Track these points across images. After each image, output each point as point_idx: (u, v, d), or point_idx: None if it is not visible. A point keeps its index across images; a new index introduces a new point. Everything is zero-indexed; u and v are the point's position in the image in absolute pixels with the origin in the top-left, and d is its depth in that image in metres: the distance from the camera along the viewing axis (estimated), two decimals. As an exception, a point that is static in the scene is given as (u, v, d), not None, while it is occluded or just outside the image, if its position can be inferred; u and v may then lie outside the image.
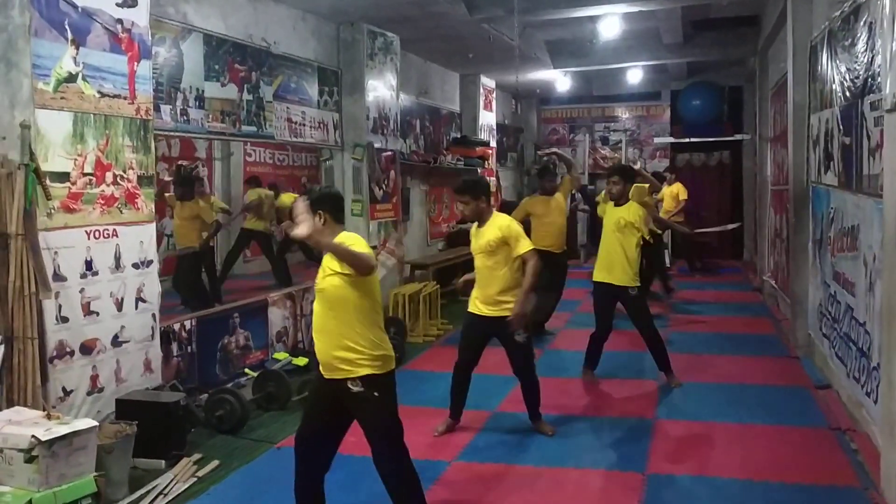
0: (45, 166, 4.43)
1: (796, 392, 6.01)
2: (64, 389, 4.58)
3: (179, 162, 10.21)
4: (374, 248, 8.53)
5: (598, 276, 6.24)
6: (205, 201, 8.56)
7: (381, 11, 8.02)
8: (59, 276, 4.54)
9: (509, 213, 5.90)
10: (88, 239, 4.77)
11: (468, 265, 5.92)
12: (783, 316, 8.76)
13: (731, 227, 12.26)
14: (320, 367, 3.50)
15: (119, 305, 5.00)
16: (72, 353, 4.63)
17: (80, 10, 4.65)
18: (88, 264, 4.76)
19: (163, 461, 4.59)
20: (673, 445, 4.98)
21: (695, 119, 14.92)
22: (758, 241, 12.17)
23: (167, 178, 9.34)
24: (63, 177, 4.58)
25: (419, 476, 3.60)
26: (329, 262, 3.39)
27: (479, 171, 12.29)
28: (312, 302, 7.55)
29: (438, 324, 8.75)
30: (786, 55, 7.63)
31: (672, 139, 15.32)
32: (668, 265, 10.96)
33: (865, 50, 4.78)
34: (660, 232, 9.26)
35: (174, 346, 5.76)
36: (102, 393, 4.84)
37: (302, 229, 3.21)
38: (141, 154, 5.18)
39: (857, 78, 5.01)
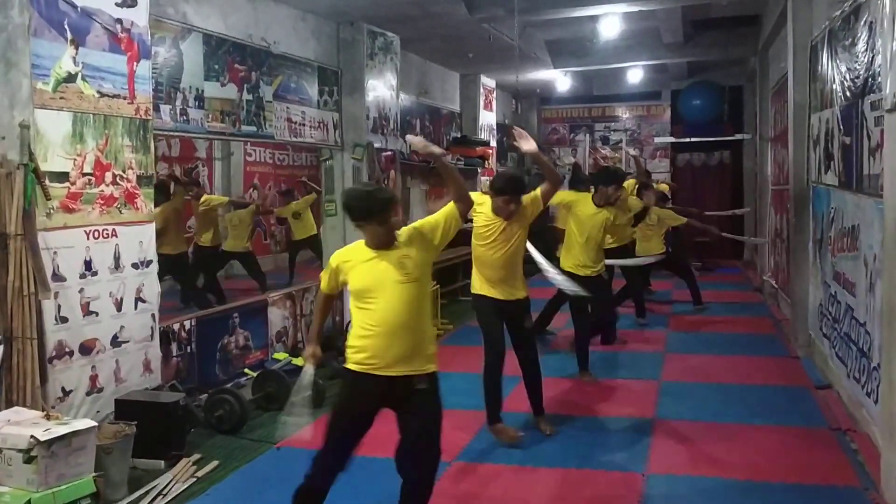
0: (44, 166, 4.42)
1: (796, 392, 6.01)
2: (63, 389, 4.57)
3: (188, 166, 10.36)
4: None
5: (585, 271, 6.25)
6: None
7: (381, 11, 8.01)
8: (58, 276, 4.53)
9: None
10: (88, 239, 4.76)
11: (468, 265, 5.92)
12: (783, 316, 8.75)
13: (739, 212, 12.13)
14: (381, 365, 3.42)
15: (118, 305, 5.00)
16: (71, 354, 4.63)
17: (79, 9, 4.64)
18: (88, 264, 4.76)
19: (162, 461, 4.58)
20: (673, 445, 4.98)
21: (695, 119, 14.91)
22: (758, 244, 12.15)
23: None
24: (62, 177, 4.58)
25: None
26: (407, 257, 3.43)
27: (479, 170, 12.31)
28: (312, 302, 7.63)
29: (438, 323, 8.74)
30: (786, 55, 7.62)
31: (672, 139, 15.31)
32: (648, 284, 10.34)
33: (866, 50, 4.77)
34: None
35: (174, 347, 5.76)
36: (102, 393, 4.83)
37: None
38: (140, 154, 5.17)
39: (857, 78, 5.00)
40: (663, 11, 9.73)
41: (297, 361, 6.76)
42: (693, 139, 14.86)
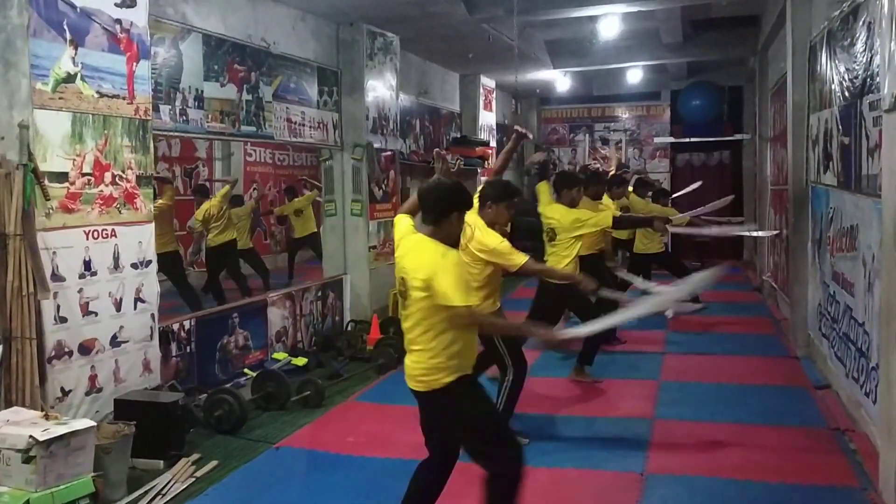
0: (43, 166, 4.42)
1: (795, 392, 6.01)
2: (62, 389, 4.57)
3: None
4: (373, 247, 8.54)
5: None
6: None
7: (380, 11, 8.02)
8: (57, 277, 4.54)
9: (526, 213, 5.91)
10: (87, 239, 4.77)
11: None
12: (783, 316, 8.76)
13: (727, 199, 11.93)
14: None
15: (118, 305, 5.00)
16: (70, 354, 4.63)
17: (78, 10, 4.65)
18: (87, 264, 4.76)
19: (161, 461, 4.58)
20: (672, 445, 4.98)
21: (695, 119, 14.91)
22: (757, 241, 12.15)
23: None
24: (62, 177, 4.58)
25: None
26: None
27: (478, 171, 12.31)
28: (312, 302, 7.63)
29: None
30: (785, 55, 7.63)
31: (672, 139, 15.32)
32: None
33: (864, 50, 4.77)
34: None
35: (173, 346, 5.77)
36: (101, 393, 4.83)
37: None
38: (140, 154, 5.18)
39: (855, 78, 5.00)
40: (663, 12, 9.73)
41: (297, 361, 6.77)
42: (692, 139, 14.86)
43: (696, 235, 10.52)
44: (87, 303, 4.76)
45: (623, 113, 16.22)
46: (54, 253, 4.53)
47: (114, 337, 4.96)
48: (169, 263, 8.05)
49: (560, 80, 13.88)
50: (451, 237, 3.30)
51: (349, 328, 8.18)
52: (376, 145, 8.61)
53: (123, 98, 5.01)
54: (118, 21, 4.95)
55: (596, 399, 6.06)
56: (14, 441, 3.59)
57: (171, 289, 8.18)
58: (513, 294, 9.67)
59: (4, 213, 4.26)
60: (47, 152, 4.48)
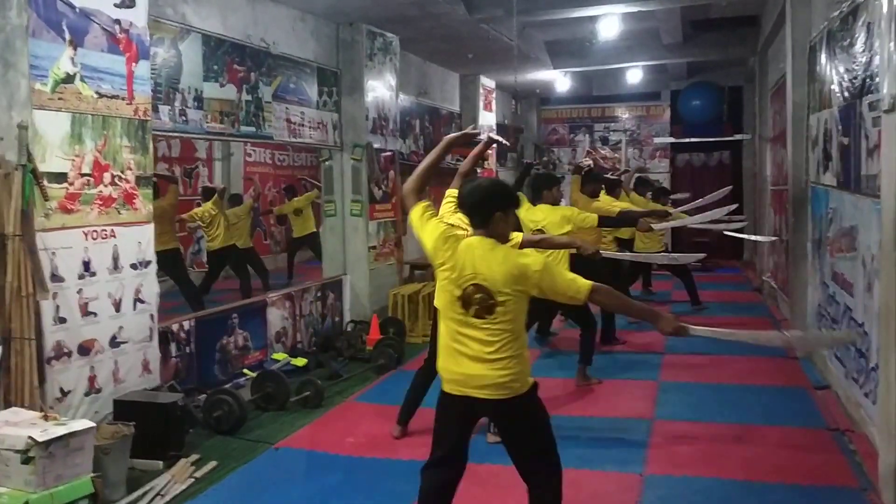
0: (42, 167, 4.42)
1: (795, 393, 6.01)
2: (62, 390, 4.57)
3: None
4: (373, 248, 8.54)
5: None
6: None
7: (380, 12, 8.02)
8: (56, 277, 4.54)
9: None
10: (86, 239, 4.76)
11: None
12: (782, 316, 8.76)
13: (725, 190, 11.88)
14: None
15: (117, 306, 5.00)
16: (69, 354, 4.63)
17: (77, 10, 4.65)
18: (86, 265, 4.76)
19: (160, 462, 4.58)
20: (671, 446, 4.97)
21: (695, 119, 14.92)
22: (757, 242, 12.14)
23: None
24: (61, 177, 4.58)
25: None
26: None
27: (478, 171, 12.30)
28: (311, 302, 7.63)
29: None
30: (785, 55, 7.63)
31: (672, 139, 15.32)
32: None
33: (864, 50, 4.77)
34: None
35: (172, 347, 5.76)
36: (100, 393, 4.83)
37: None
38: (139, 154, 5.18)
39: (855, 78, 5.00)
40: (662, 12, 9.74)
41: (297, 362, 6.77)
42: (692, 139, 14.87)
43: (692, 230, 10.49)
44: (87, 303, 4.76)
45: (623, 113, 16.23)
46: (53, 253, 4.52)
47: (113, 337, 4.96)
48: (170, 261, 8.07)
49: (560, 81, 13.88)
50: (502, 237, 3.21)
51: (349, 329, 8.18)
52: (376, 145, 8.61)
53: (123, 98, 5.01)
54: (117, 21, 4.95)
55: (595, 399, 6.05)
56: (13, 442, 3.58)
57: (171, 289, 8.19)
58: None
59: (3, 214, 4.26)
60: (46, 153, 4.47)
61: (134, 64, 5.09)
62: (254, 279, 10.14)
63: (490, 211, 3.16)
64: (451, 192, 4.10)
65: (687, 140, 14.98)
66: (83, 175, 4.73)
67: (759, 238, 10.83)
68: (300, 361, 6.79)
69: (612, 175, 11.02)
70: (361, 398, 6.17)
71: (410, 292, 8.47)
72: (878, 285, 4.27)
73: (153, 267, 5.32)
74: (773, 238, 10.15)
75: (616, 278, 8.78)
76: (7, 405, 4.16)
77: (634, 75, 13.82)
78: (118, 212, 5.00)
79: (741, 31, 11.57)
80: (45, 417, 3.86)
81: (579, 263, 6.03)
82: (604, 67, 13.10)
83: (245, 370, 6.44)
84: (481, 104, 12.90)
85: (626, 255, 6.63)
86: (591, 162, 11.25)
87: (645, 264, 9.09)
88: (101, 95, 4.83)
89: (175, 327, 5.84)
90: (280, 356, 6.89)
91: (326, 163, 8.55)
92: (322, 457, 4.88)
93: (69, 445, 3.69)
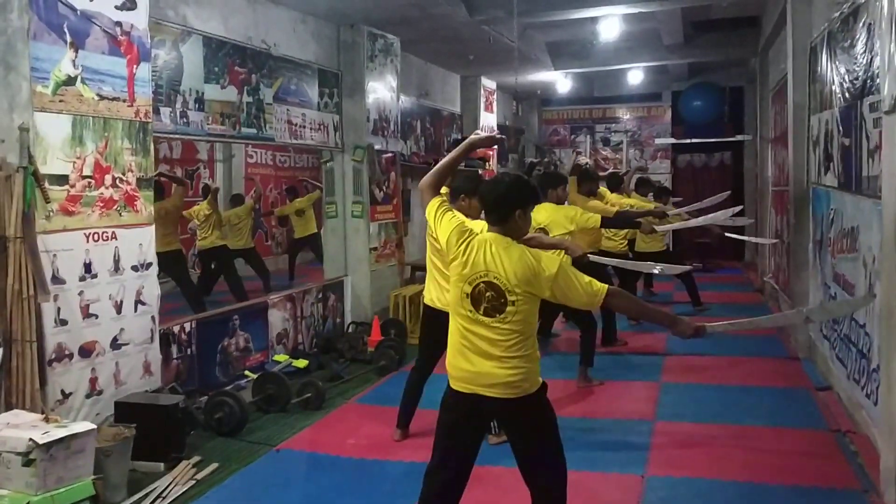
0: (43, 169, 4.43)
1: (797, 394, 6.00)
2: (63, 392, 4.57)
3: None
4: (374, 249, 8.54)
5: None
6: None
7: (381, 13, 8.02)
8: (57, 279, 4.54)
9: None
10: (87, 241, 4.77)
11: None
12: (784, 317, 8.73)
13: (724, 195, 11.82)
14: None
15: (118, 308, 5.00)
16: (70, 356, 4.63)
17: (78, 12, 4.65)
18: (87, 267, 4.76)
19: (161, 464, 4.58)
20: (673, 447, 4.97)
21: (696, 120, 14.91)
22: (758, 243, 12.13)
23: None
24: (62, 179, 4.58)
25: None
26: None
27: (479, 172, 12.31)
28: (312, 304, 7.63)
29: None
30: (786, 56, 7.62)
31: (673, 140, 15.31)
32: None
33: (864, 51, 4.77)
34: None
35: (174, 349, 5.76)
36: (101, 395, 4.83)
37: None
38: (140, 156, 5.18)
39: (856, 79, 5.00)
40: (663, 13, 9.73)
41: (298, 363, 6.77)
42: (694, 140, 14.85)
43: (693, 231, 10.46)
44: (88, 305, 4.76)
45: (624, 114, 16.24)
46: (54, 255, 4.53)
47: (114, 339, 4.96)
48: (172, 262, 8.07)
49: (561, 82, 13.88)
50: (518, 235, 3.17)
51: (350, 330, 8.18)
52: (377, 147, 8.61)
53: (124, 100, 5.02)
54: (118, 24, 4.95)
55: (596, 401, 6.05)
56: (14, 444, 3.58)
57: (172, 291, 8.19)
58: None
59: (4, 216, 4.27)
60: (47, 155, 4.48)
61: (135, 66, 5.09)
62: (255, 280, 10.15)
63: (512, 208, 3.14)
64: (444, 190, 4.11)
65: (688, 141, 14.97)
66: (84, 177, 4.73)
67: (759, 240, 10.81)
68: (301, 363, 6.79)
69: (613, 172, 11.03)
70: (363, 400, 6.17)
71: (412, 294, 8.46)
72: (879, 286, 4.27)
73: (154, 269, 5.32)
74: (774, 240, 10.15)
75: (622, 281, 8.82)
76: (8, 407, 4.16)
77: (635, 76, 13.82)
78: (119, 214, 5.00)
79: (742, 31, 11.56)
80: (47, 420, 3.87)
81: (579, 266, 6.05)
82: (605, 68, 13.10)
83: (246, 372, 6.45)
84: (482, 105, 12.91)
85: (613, 261, 6.63)
86: (588, 160, 11.25)
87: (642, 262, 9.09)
88: (102, 97, 4.83)
89: (176, 329, 5.84)
90: (281, 358, 6.88)
91: (327, 164, 8.56)
92: (323, 458, 4.88)
93: (70, 448, 3.69)
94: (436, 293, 4.97)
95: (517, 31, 8.74)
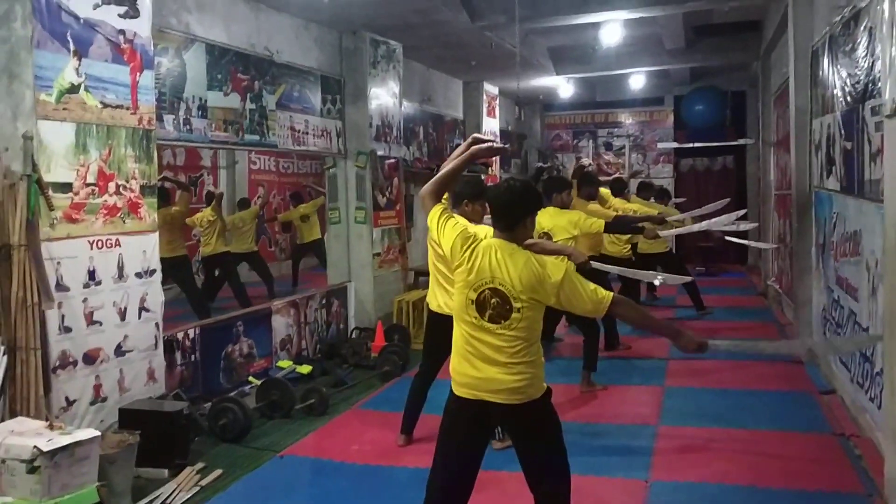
0: (47, 177, 4.45)
1: (800, 397, 5.99)
2: (67, 399, 4.58)
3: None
4: (377, 255, 8.55)
5: None
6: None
7: (383, 20, 8.04)
8: (61, 287, 4.55)
9: None
10: (91, 249, 4.78)
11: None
12: (787, 320, 8.74)
13: (721, 204, 11.76)
14: None
15: (122, 315, 5.01)
16: (75, 363, 4.64)
17: (82, 21, 4.67)
18: (91, 274, 4.78)
19: (166, 470, 4.58)
20: (676, 452, 4.97)
21: (698, 124, 14.92)
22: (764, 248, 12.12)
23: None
24: (66, 187, 4.60)
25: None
26: None
27: (482, 177, 12.31)
28: (316, 310, 7.64)
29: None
30: (787, 60, 7.63)
31: (675, 144, 15.31)
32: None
33: (866, 55, 4.77)
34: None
35: (178, 355, 5.77)
36: (105, 402, 4.84)
37: None
38: (143, 164, 5.20)
39: (857, 83, 5.00)
40: (665, 17, 9.73)
41: (302, 369, 6.78)
42: (696, 144, 14.84)
43: (695, 234, 10.42)
44: (92, 312, 4.77)
45: (626, 118, 16.25)
46: (58, 263, 4.54)
47: (118, 346, 4.97)
48: (177, 268, 8.10)
49: (563, 87, 13.89)
50: (523, 241, 3.19)
51: (353, 336, 8.18)
52: (380, 153, 8.63)
53: (127, 108, 5.04)
54: (122, 32, 4.98)
55: (600, 405, 6.05)
56: (18, 451, 3.59)
57: (176, 297, 8.21)
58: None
59: (9, 224, 4.29)
60: (51, 163, 4.50)
61: (138, 74, 5.11)
62: (258, 286, 10.17)
63: (522, 215, 3.15)
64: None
65: (690, 145, 14.96)
66: (88, 185, 4.75)
67: (759, 244, 10.81)
68: (305, 369, 6.79)
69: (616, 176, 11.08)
70: (366, 405, 6.17)
71: (415, 299, 8.47)
72: (882, 289, 4.27)
73: (158, 275, 5.34)
74: (774, 245, 10.14)
75: (629, 288, 8.82)
76: (12, 415, 4.17)
77: (637, 81, 13.84)
78: (123, 221, 5.02)
79: (743, 36, 11.57)
80: (51, 427, 3.87)
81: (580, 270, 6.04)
82: (607, 73, 13.10)
83: (250, 378, 6.46)
84: (485, 111, 12.92)
85: (615, 269, 6.63)
86: (590, 161, 11.26)
87: (648, 266, 9.07)
88: (105, 105, 4.85)
89: (180, 335, 5.85)
90: (285, 364, 6.89)
91: (330, 170, 8.57)
92: (327, 464, 4.88)
93: (74, 455, 3.70)
94: (442, 298, 4.97)
95: (519, 36, 8.75)
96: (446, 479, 3.17)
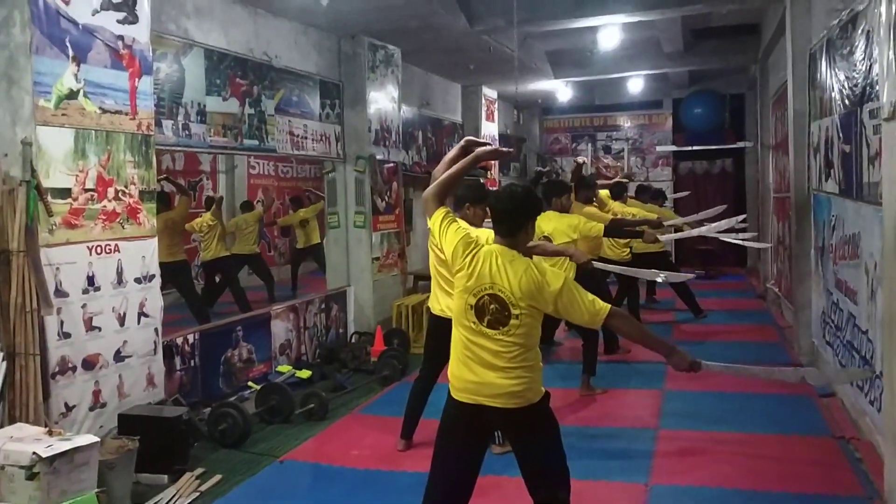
0: (46, 183, 4.45)
1: (800, 400, 5.98)
2: (66, 405, 4.58)
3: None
4: (376, 259, 8.55)
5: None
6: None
7: (381, 24, 8.05)
8: (60, 292, 4.55)
9: None
10: (90, 254, 4.78)
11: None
12: (786, 323, 8.74)
13: (717, 210, 11.75)
14: None
15: (121, 320, 5.01)
16: (74, 369, 4.64)
17: (80, 27, 4.68)
18: (90, 280, 4.77)
19: (165, 476, 4.58)
20: (676, 455, 4.97)
21: (697, 127, 14.94)
22: (760, 248, 12.13)
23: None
24: (64, 193, 4.60)
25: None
26: None
27: (481, 180, 12.31)
28: (315, 314, 7.63)
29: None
30: (786, 63, 7.64)
31: (674, 147, 15.33)
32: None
33: (863, 58, 4.78)
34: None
35: (177, 361, 5.77)
36: (105, 408, 4.84)
37: None
38: (142, 169, 5.20)
39: (855, 86, 5.01)
40: (663, 21, 9.75)
41: (301, 374, 6.77)
42: (695, 147, 14.88)
43: (693, 237, 10.45)
44: (91, 318, 4.77)
45: (625, 122, 16.27)
46: (58, 269, 4.54)
47: (117, 352, 4.97)
48: (177, 273, 8.10)
49: (561, 90, 13.92)
50: (523, 245, 3.20)
51: (353, 340, 8.18)
52: (379, 157, 8.63)
53: (126, 114, 5.04)
54: (120, 37, 4.98)
55: (599, 409, 6.04)
56: (18, 457, 3.59)
57: (175, 303, 8.21)
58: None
59: (8, 230, 4.29)
60: (50, 168, 4.50)
61: (137, 79, 5.11)
62: (260, 290, 10.17)
63: (524, 221, 3.17)
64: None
65: (689, 148, 14.99)
66: (87, 190, 4.75)
67: (752, 244, 10.81)
68: (304, 374, 6.79)
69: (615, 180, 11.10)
70: (366, 410, 6.17)
71: (414, 303, 8.47)
72: (881, 292, 4.27)
73: (157, 281, 5.34)
74: (767, 245, 10.15)
75: (627, 290, 8.82)
76: (11, 421, 4.17)
77: (636, 84, 13.86)
78: (122, 226, 5.02)
79: (742, 39, 11.60)
80: (50, 433, 3.87)
81: (581, 273, 6.06)
82: (605, 77, 13.13)
83: (249, 383, 6.45)
84: (483, 114, 12.93)
85: (616, 268, 6.64)
86: (584, 159, 11.25)
87: (645, 266, 9.08)
88: (104, 111, 4.85)
89: (179, 341, 5.85)
90: (284, 368, 6.89)
91: (330, 175, 8.58)
92: (327, 469, 4.88)
93: (74, 461, 3.70)
94: (444, 302, 4.98)
95: (517, 40, 8.77)
96: (445, 484, 3.17)
